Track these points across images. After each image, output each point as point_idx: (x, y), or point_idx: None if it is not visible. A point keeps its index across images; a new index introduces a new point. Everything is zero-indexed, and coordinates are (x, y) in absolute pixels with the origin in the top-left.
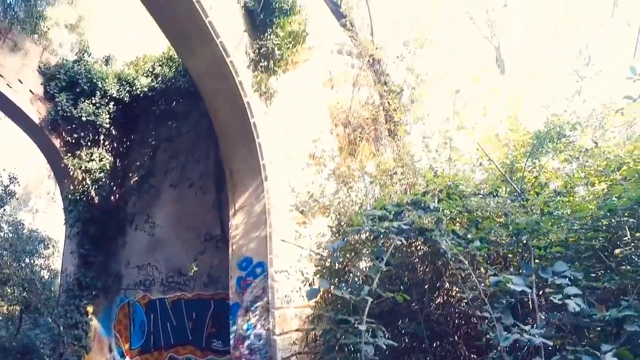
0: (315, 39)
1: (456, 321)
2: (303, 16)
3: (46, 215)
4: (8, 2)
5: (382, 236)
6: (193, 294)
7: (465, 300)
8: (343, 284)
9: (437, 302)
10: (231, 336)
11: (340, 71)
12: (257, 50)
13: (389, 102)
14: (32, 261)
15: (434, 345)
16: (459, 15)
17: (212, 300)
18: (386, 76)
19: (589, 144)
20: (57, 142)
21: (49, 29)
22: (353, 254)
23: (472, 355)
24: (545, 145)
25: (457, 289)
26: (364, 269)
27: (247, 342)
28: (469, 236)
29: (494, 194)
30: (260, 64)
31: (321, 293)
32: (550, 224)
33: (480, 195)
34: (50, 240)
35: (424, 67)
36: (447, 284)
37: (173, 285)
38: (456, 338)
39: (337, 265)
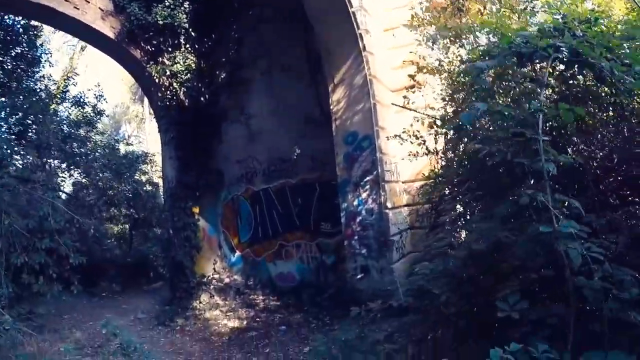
0: None
1: None
2: None
3: (139, 138)
4: None
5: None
6: (297, 179)
7: None
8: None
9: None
10: (342, 214)
11: None
12: None
13: None
14: (132, 178)
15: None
16: None
17: (318, 184)
18: None
19: None
20: (137, 53)
21: None
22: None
23: None
24: None
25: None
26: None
27: (358, 218)
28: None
29: None
30: None
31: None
32: None
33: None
34: (147, 154)
35: None
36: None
37: (275, 174)
38: None
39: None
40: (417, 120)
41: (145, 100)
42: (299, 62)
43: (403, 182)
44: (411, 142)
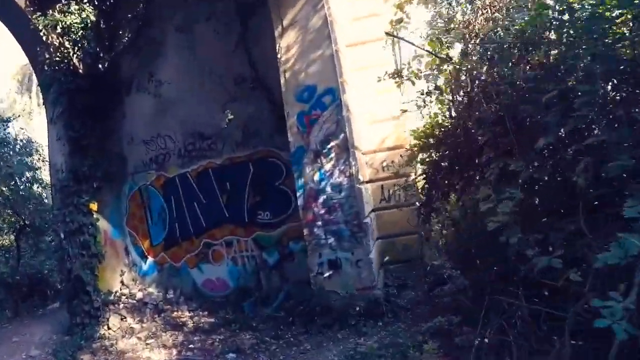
0: None
1: None
2: None
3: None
4: None
5: None
6: (223, 159)
7: None
8: None
9: None
10: (298, 194)
11: None
12: None
13: None
14: (16, 178)
15: None
16: None
17: (250, 163)
18: None
19: None
20: (20, 1)
21: None
22: None
23: None
24: None
25: None
26: None
27: (322, 198)
28: None
29: None
30: None
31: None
32: None
33: None
34: (32, 142)
35: None
36: None
37: (195, 153)
38: None
39: None
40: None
41: (35, 89)
42: (226, 10)
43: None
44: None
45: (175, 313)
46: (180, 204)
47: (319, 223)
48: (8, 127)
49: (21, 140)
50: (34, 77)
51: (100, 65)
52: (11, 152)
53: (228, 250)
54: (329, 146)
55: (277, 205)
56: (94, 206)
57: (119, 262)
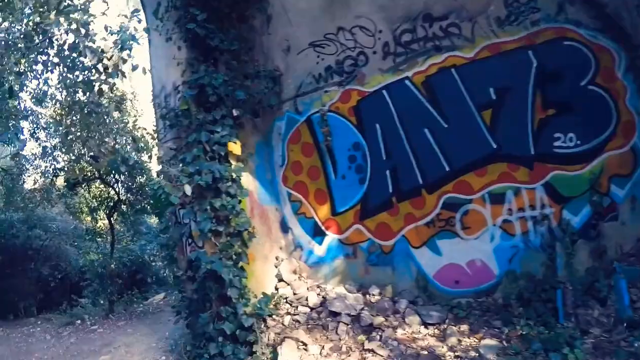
0: None
1: None
2: None
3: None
4: None
5: None
6: (476, 48)
7: None
8: None
9: None
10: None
11: None
12: None
13: None
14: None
15: None
16: None
17: (531, 50)
18: None
19: None
20: None
21: None
22: None
23: None
24: None
25: None
26: None
27: None
28: None
29: None
30: None
31: None
32: None
33: None
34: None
35: None
36: None
37: (417, 46)
38: None
39: None
40: None
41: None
42: None
43: None
44: None
45: (400, 331)
46: (394, 135)
47: None
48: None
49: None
50: None
51: None
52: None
53: (494, 209)
54: None
55: (587, 121)
56: (235, 147)
57: (272, 245)
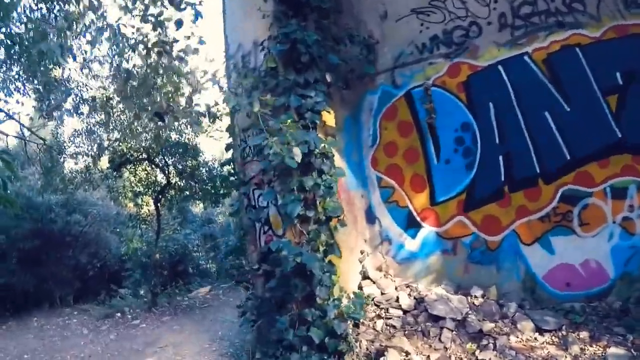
0: None
1: None
2: None
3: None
4: None
5: None
6: (602, 28)
7: None
8: None
9: None
10: None
11: None
12: None
13: None
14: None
15: None
16: None
17: None
18: None
19: None
20: None
21: None
22: None
23: None
24: None
25: None
26: None
27: None
28: None
29: None
30: None
31: None
32: None
33: None
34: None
35: None
36: None
37: (538, 20)
38: None
39: None
40: None
41: None
42: None
43: None
44: None
45: (513, 338)
46: (510, 116)
47: None
48: None
49: None
50: None
51: None
52: None
53: (615, 205)
54: None
55: None
56: (329, 117)
57: (357, 236)
